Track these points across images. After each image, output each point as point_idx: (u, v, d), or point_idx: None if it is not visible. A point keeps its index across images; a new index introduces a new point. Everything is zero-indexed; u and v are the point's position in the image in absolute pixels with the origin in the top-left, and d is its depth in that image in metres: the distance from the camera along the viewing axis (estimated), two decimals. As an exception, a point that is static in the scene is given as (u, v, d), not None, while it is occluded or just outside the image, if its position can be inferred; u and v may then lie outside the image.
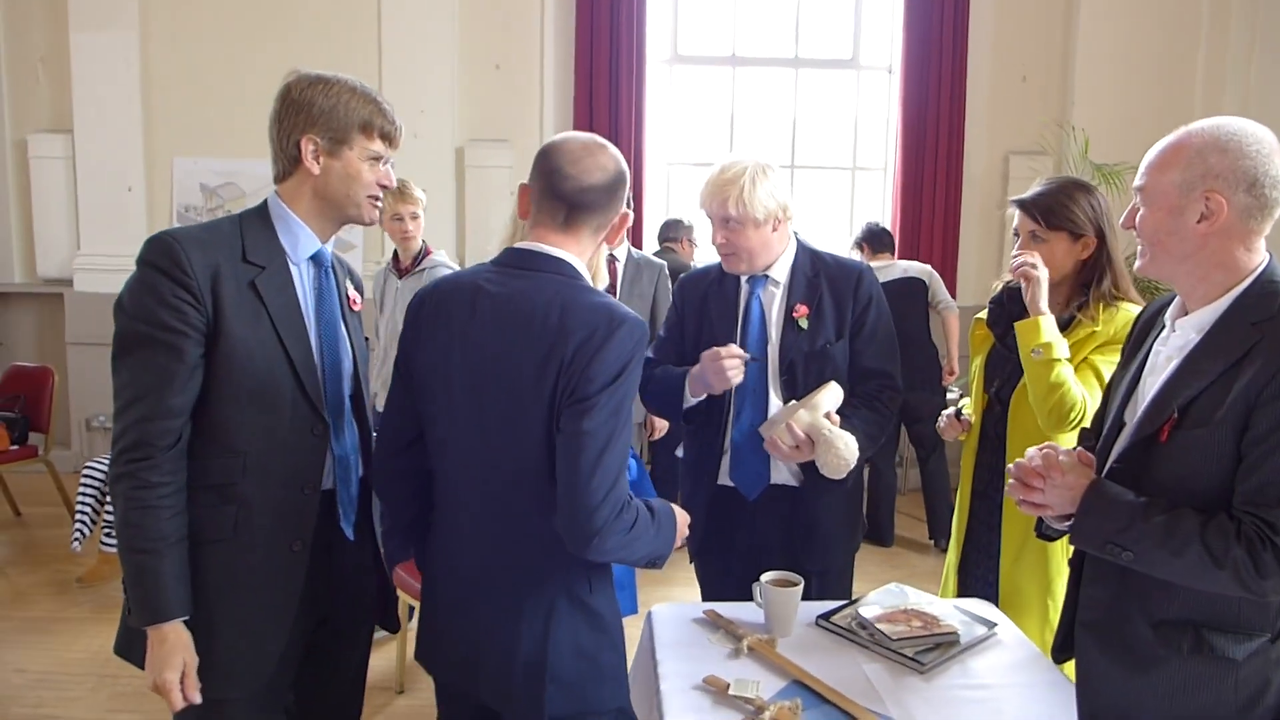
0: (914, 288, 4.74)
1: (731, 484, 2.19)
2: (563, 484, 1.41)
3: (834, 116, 5.98)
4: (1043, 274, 2.05)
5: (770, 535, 2.18)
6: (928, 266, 4.88)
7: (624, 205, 1.60)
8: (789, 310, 2.17)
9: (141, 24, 5.41)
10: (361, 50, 5.38)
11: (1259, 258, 1.43)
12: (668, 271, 3.87)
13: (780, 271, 2.19)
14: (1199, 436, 1.35)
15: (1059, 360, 1.99)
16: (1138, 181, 1.50)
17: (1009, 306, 2.24)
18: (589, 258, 1.58)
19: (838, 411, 2.02)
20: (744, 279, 2.21)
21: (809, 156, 5.98)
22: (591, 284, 1.55)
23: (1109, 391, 1.73)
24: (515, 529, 1.51)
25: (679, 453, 2.40)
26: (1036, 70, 5.64)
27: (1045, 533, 1.67)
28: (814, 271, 2.20)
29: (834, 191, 6.03)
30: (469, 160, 5.46)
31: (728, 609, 1.95)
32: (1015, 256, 2.14)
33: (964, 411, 2.31)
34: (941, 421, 2.34)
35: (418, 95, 5.32)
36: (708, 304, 2.23)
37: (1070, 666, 1.64)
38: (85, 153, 5.48)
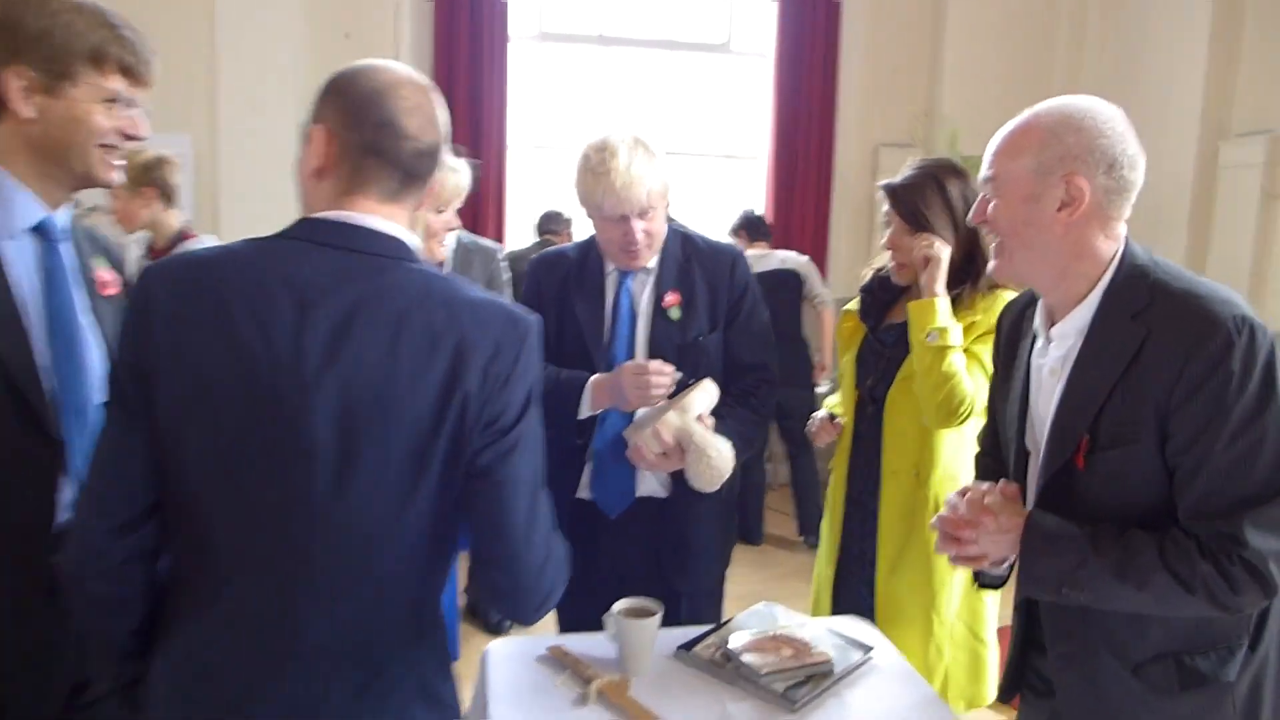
0: (789, 280, 4.64)
1: (591, 498, 1.96)
2: (493, 545, 1.11)
3: (707, 102, 5.83)
4: (943, 253, 1.91)
5: (635, 554, 1.96)
6: (805, 258, 4.79)
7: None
8: (659, 299, 1.95)
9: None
10: (190, 11, 4.85)
11: (1115, 245, 1.30)
12: (501, 255, 3.55)
13: (654, 255, 1.97)
14: (1118, 457, 1.20)
15: (952, 347, 1.86)
16: (985, 172, 1.35)
17: (880, 295, 2.09)
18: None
19: (711, 412, 1.82)
20: (609, 264, 1.98)
21: (682, 143, 5.81)
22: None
23: (992, 409, 1.59)
24: (361, 611, 1.09)
25: None
26: (906, 62, 5.63)
27: (986, 583, 1.52)
28: (685, 256, 1.99)
29: (708, 180, 5.88)
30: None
31: (580, 642, 1.71)
32: (888, 250, 2.00)
33: (836, 414, 2.15)
34: (813, 425, 2.18)
35: (258, 65, 4.82)
36: (568, 293, 1.99)
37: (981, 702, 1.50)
38: None
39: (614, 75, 5.69)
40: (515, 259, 4.46)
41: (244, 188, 4.86)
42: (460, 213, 5.16)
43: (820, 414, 2.20)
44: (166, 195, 3.09)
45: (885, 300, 2.09)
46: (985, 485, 1.36)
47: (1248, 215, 4.55)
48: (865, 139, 5.64)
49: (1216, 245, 4.73)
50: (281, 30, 4.89)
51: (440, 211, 1.82)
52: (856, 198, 5.67)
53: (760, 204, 5.67)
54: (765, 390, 2.01)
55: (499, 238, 5.19)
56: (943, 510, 1.39)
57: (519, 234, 5.39)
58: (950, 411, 1.86)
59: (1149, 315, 1.22)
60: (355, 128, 1.10)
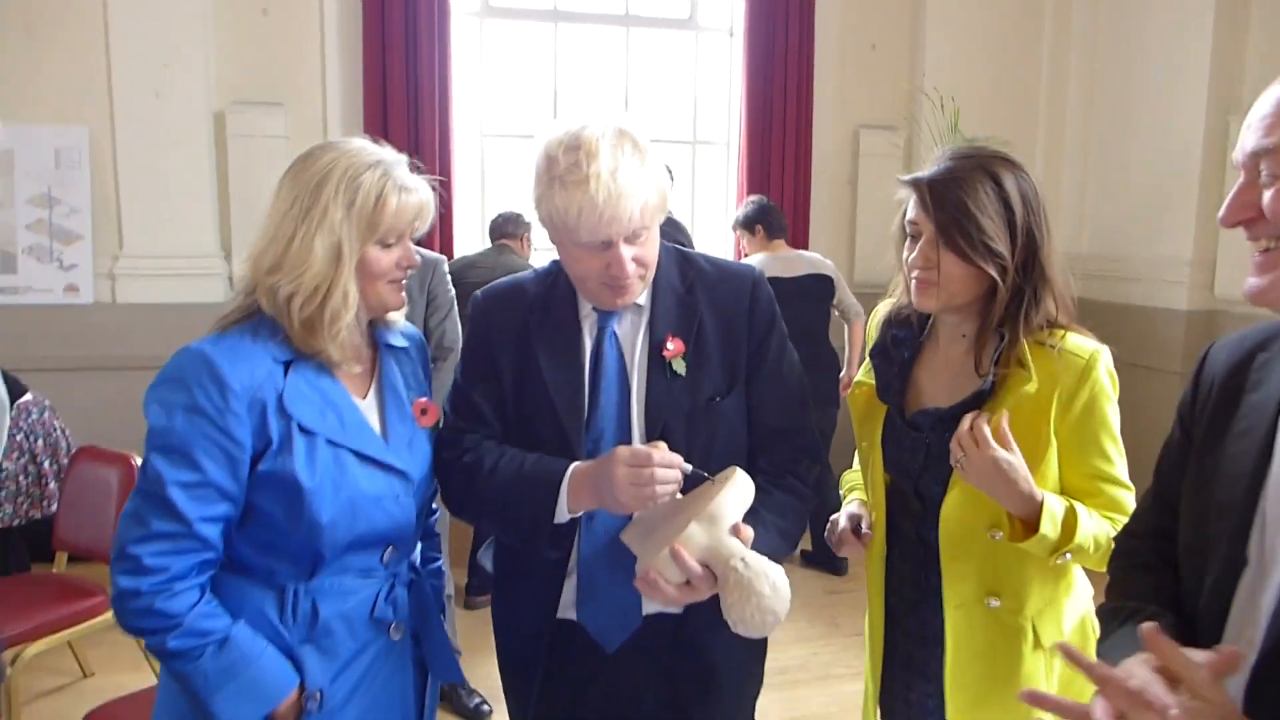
0: (822, 287, 4.07)
1: (575, 619, 1.46)
2: None
3: (671, 83, 5.31)
4: (993, 428, 1.37)
5: (641, 693, 1.46)
6: (829, 260, 4.26)
7: None
8: (656, 347, 1.44)
9: None
10: (80, -7, 4.18)
11: None
12: (445, 268, 3.02)
13: (645, 289, 1.46)
14: None
15: (1086, 549, 1.41)
16: (1261, 141, 0.87)
17: (895, 355, 1.56)
18: None
19: None
20: (584, 303, 1.47)
21: (644, 128, 5.27)
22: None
23: (1171, 484, 1.11)
24: None
25: (485, 559, 1.63)
26: (887, 35, 5.17)
27: None
28: (686, 284, 1.48)
29: (675, 170, 5.36)
30: (232, 128, 4.38)
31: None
32: (912, 271, 1.47)
33: (860, 503, 1.62)
34: (832, 532, 1.63)
35: (161, 45, 4.18)
36: (530, 342, 1.46)
37: None
38: None
39: (568, 55, 5.14)
40: (464, 268, 3.91)
41: (145, 182, 4.24)
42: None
43: (841, 518, 1.64)
44: None
45: (904, 360, 1.57)
46: (1149, 633, 0.86)
47: (1263, 196, 4.17)
48: (845, 120, 5.18)
49: (1229, 229, 4.35)
50: (184, 10, 4.25)
51: (387, 245, 1.31)
52: (837, 185, 5.22)
53: (732, 194, 5.18)
54: (806, 465, 1.52)
55: (445, 244, 4.61)
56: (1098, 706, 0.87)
57: (468, 239, 4.83)
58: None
59: None
60: None
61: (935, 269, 1.42)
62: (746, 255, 4.31)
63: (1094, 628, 1.59)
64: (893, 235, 1.54)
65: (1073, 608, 1.56)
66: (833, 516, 1.63)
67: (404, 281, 1.40)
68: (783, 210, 5.03)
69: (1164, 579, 1.10)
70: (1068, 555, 1.42)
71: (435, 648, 1.45)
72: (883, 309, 1.67)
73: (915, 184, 1.45)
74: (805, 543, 4.15)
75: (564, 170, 1.30)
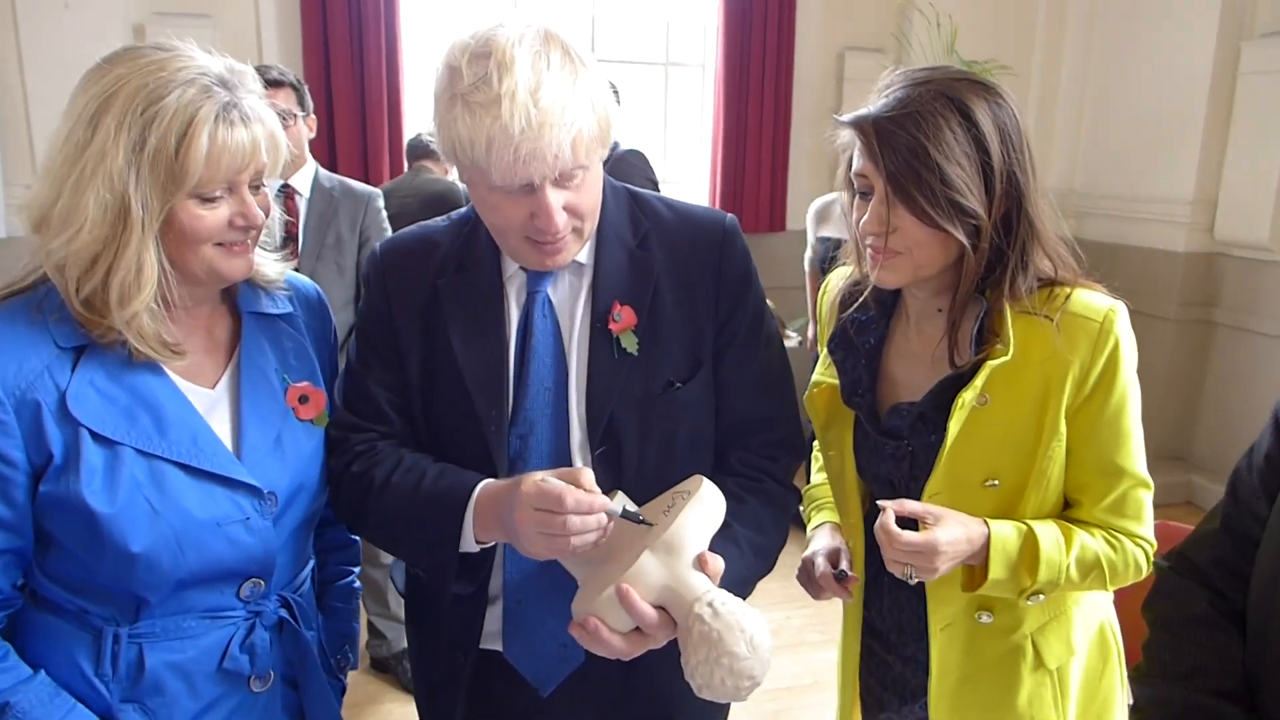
0: None
1: (500, 649, 1.19)
2: None
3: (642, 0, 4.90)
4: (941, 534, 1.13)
5: None
6: None
7: None
8: (599, 317, 1.15)
9: None
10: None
11: None
12: (380, 203, 2.62)
13: (585, 243, 1.16)
14: None
15: (1071, 578, 1.18)
16: None
17: (858, 344, 1.26)
18: None
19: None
20: (509, 262, 1.18)
21: (612, 49, 4.88)
22: None
23: (1240, 513, 0.87)
24: None
25: (396, 575, 1.34)
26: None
27: None
28: (639, 238, 1.19)
29: (645, 94, 4.98)
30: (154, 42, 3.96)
31: None
32: (865, 238, 1.17)
33: (843, 552, 1.32)
34: (807, 572, 1.32)
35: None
36: (442, 310, 1.16)
37: None
38: None
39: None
40: (389, 194, 3.50)
41: (58, 104, 3.79)
42: (339, 142, 4.16)
43: (818, 557, 1.31)
44: None
45: (871, 348, 1.27)
46: None
47: (1272, 125, 3.89)
48: (829, 42, 4.81)
49: (1233, 159, 4.08)
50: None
51: (209, 200, 0.97)
52: (820, 111, 4.86)
53: (708, 121, 4.82)
54: (785, 461, 1.24)
55: (396, 172, 4.22)
56: None
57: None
58: (1121, 580, 1.21)
59: None
60: None
61: (889, 235, 1.11)
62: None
63: (1116, 639, 1.36)
64: (837, 190, 1.23)
65: (1085, 617, 1.31)
66: (805, 554, 1.34)
67: (251, 241, 1.07)
68: (761, 139, 4.70)
69: (1226, 645, 0.86)
70: (1039, 596, 1.19)
71: (315, 697, 1.16)
72: (835, 282, 1.36)
73: (858, 125, 1.12)
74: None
75: (468, 87, 0.99)
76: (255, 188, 1.05)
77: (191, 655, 1.05)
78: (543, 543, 0.98)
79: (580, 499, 0.96)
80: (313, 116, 2.56)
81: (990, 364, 1.13)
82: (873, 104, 1.13)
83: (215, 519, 1.03)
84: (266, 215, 1.07)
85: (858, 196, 1.17)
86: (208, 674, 1.06)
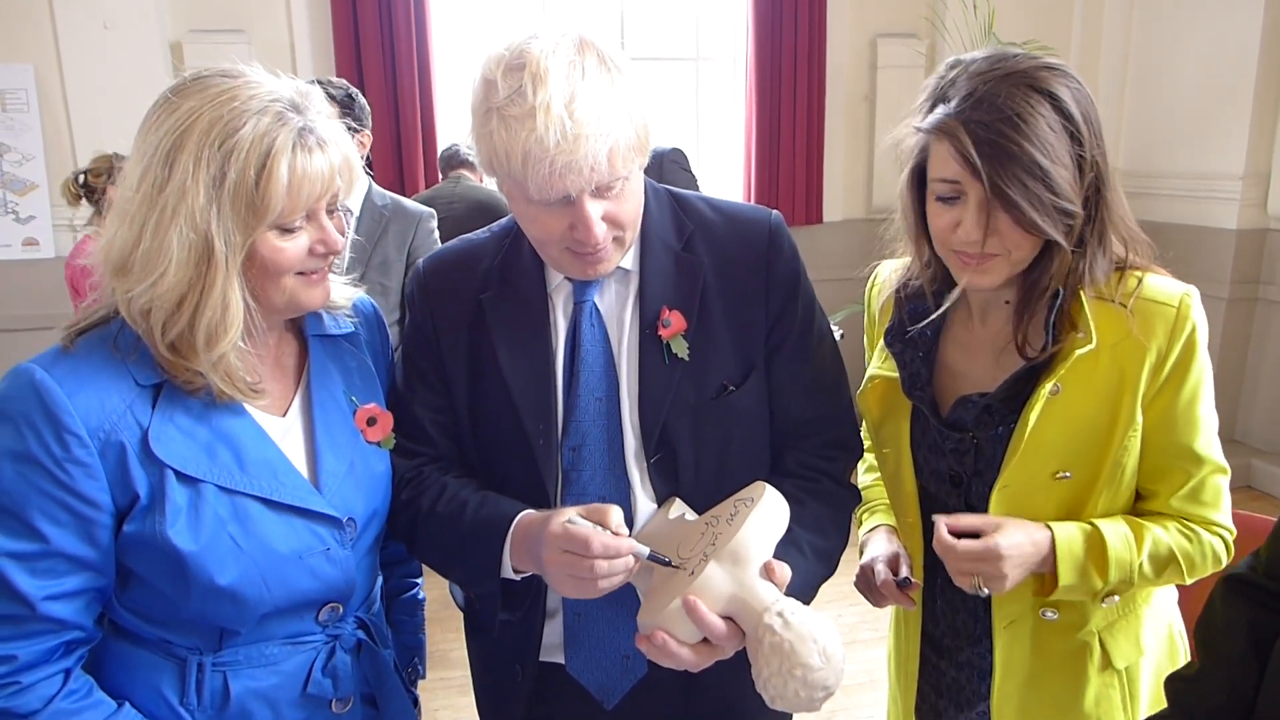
0: None
1: (563, 663, 1.18)
2: None
3: (670, -5, 4.87)
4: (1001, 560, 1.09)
5: None
6: None
7: None
8: (648, 324, 1.13)
9: None
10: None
11: None
12: (433, 224, 2.58)
13: (628, 251, 1.14)
14: None
15: (1144, 573, 1.15)
16: None
17: (918, 338, 1.22)
18: None
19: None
20: (554, 273, 1.16)
21: (642, 46, 4.86)
22: None
23: None
24: None
25: (454, 588, 1.33)
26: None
27: None
28: (684, 241, 1.17)
29: (674, 91, 4.95)
30: (191, 59, 4.00)
31: None
32: (961, 248, 1.11)
33: (903, 558, 1.28)
34: (867, 579, 1.29)
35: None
36: (487, 326, 1.16)
37: None
38: None
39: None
40: (428, 201, 3.50)
41: (101, 122, 3.88)
42: (373, 152, 4.13)
43: (878, 564, 1.27)
44: None
45: (929, 340, 1.23)
46: None
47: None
48: (861, 29, 4.75)
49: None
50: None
51: (289, 230, 0.95)
52: (852, 99, 4.80)
53: (740, 116, 4.78)
54: (843, 461, 1.22)
55: (431, 183, 4.23)
56: None
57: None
58: (1200, 572, 1.17)
59: None
60: None
61: (985, 240, 1.07)
62: None
63: (1182, 641, 1.32)
64: (900, 191, 1.17)
65: (1154, 616, 1.28)
66: (863, 560, 1.31)
67: (329, 269, 1.05)
68: (795, 132, 4.64)
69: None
70: (1114, 598, 1.16)
71: (397, 716, 1.16)
72: (886, 276, 1.33)
73: (944, 130, 1.05)
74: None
75: (503, 101, 0.97)
76: (330, 212, 1.03)
77: (275, 682, 1.05)
78: (571, 584, 0.97)
79: (607, 544, 0.95)
80: (368, 132, 2.53)
81: (1075, 353, 1.10)
82: (954, 102, 1.07)
83: (297, 551, 1.03)
84: (343, 238, 1.05)
85: (938, 200, 1.11)
86: (292, 700, 1.06)
